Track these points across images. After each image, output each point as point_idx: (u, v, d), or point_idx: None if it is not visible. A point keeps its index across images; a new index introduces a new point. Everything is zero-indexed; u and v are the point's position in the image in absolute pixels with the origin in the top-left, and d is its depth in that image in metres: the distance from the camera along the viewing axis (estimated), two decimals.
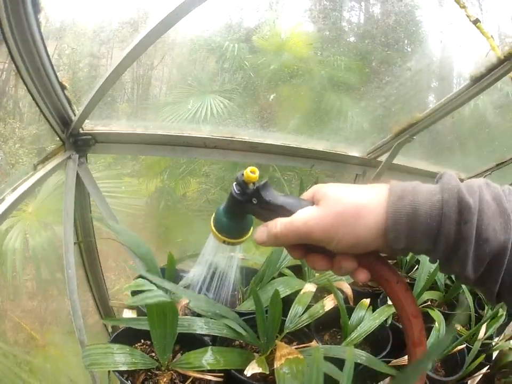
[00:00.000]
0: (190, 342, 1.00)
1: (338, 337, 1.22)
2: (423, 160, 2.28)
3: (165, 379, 0.93)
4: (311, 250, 0.61)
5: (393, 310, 1.16)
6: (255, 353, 0.98)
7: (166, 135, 1.43)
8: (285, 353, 0.91)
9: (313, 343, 1.06)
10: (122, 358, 0.88)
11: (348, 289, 1.27)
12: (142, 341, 1.03)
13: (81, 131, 1.29)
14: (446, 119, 2.10)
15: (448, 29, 1.75)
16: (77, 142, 1.29)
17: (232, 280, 0.84)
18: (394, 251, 0.54)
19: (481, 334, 1.32)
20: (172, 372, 0.95)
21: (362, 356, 0.99)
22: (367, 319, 1.16)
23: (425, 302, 1.39)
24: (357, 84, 1.82)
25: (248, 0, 1.72)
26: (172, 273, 1.18)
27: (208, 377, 0.92)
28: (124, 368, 0.87)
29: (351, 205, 0.54)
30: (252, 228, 0.71)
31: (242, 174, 0.63)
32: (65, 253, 1.34)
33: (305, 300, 1.15)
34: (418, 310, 0.61)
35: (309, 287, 1.20)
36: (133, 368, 0.89)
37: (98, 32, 1.34)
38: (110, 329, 1.55)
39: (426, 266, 1.38)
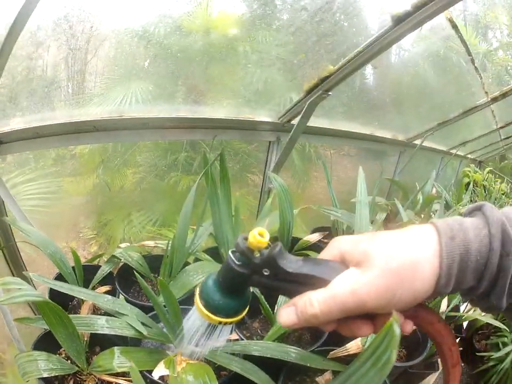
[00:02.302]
0: (112, 342, 0.94)
1: (269, 324, 1.14)
2: (350, 121, 2.20)
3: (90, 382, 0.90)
4: (347, 317, 0.50)
5: None
6: (168, 352, 0.89)
7: (60, 124, 1.27)
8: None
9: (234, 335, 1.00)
10: (42, 364, 0.83)
11: None
12: None
13: None
14: (376, 74, 2.04)
15: None
16: None
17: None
18: (436, 295, 0.49)
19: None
20: (93, 376, 0.91)
21: (291, 352, 0.90)
22: None
23: None
24: (239, 33, 1.49)
25: None
26: (80, 270, 1.15)
27: (121, 381, 0.87)
28: (45, 374, 0.81)
29: (406, 259, 0.46)
30: (250, 296, 0.60)
31: (245, 239, 0.51)
32: None
33: None
34: (455, 339, 0.57)
35: None
36: (53, 374, 0.83)
37: (35, 32, 1.20)
38: None
39: None
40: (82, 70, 1.38)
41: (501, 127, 3.38)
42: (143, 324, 0.89)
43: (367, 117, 2.36)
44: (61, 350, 0.99)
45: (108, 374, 0.86)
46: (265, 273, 0.51)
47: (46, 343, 0.93)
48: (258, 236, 0.49)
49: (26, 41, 1.16)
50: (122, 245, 1.29)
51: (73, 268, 1.14)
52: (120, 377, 0.88)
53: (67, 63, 1.32)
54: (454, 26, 1.72)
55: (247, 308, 0.59)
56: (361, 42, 1.37)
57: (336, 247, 0.53)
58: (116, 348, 0.85)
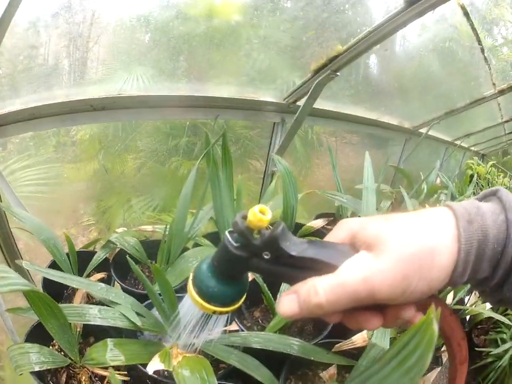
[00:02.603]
0: (107, 333, 0.90)
1: (271, 314, 1.09)
2: (356, 105, 2.17)
3: (84, 377, 0.87)
4: (354, 308, 0.45)
5: None
6: (165, 344, 0.85)
7: (57, 103, 1.23)
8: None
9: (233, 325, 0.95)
10: (34, 357, 0.79)
11: None
12: None
13: None
14: (385, 60, 1.99)
15: None
16: None
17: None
18: (450, 286, 0.45)
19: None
20: (86, 369, 0.88)
21: (294, 344, 0.85)
22: None
23: None
24: (244, 10, 1.42)
25: None
26: (74, 257, 1.12)
27: (120, 377, 0.84)
28: (36, 368, 0.78)
29: (424, 244, 0.42)
30: (248, 283, 0.54)
31: (244, 218, 0.46)
32: None
33: None
34: (464, 334, 0.55)
35: None
36: (44, 368, 0.79)
37: (35, 22, 1.19)
38: None
39: None
40: (84, 57, 1.35)
41: (506, 121, 3.41)
42: (138, 313, 0.84)
43: (374, 101, 2.32)
44: (54, 342, 0.95)
45: (101, 368, 0.82)
46: (266, 257, 0.46)
47: (39, 334, 0.89)
48: (259, 214, 0.44)
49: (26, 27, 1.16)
50: (119, 230, 1.25)
51: (67, 254, 1.10)
52: (115, 371, 0.83)
53: (68, 51, 1.30)
54: (466, 14, 1.71)
55: (244, 296, 0.54)
56: (373, 22, 1.35)
57: (345, 229, 0.49)
58: (109, 340, 0.82)
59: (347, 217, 1.55)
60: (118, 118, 1.42)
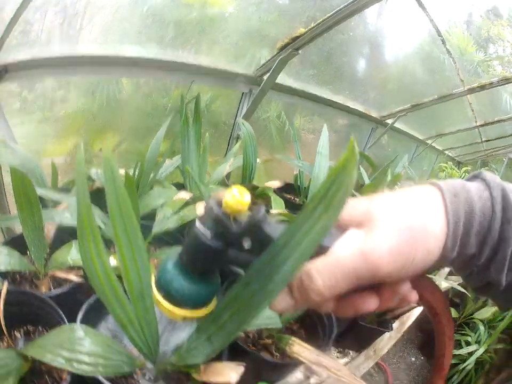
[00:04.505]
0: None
1: None
2: (321, 86, 2.29)
3: (43, 286, 0.92)
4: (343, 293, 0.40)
5: None
6: None
7: (57, 57, 1.37)
8: None
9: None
10: (2, 258, 0.85)
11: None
12: None
13: None
14: (348, 45, 2.11)
15: None
16: None
17: None
18: (440, 263, 0.42)
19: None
20: (48, 278, 0.94)
21: None
22: None
23: None
24: None
25: None
26: (56, 185, 1.18)
27: (72, 277, 0.90)
28: (2, 268, 0.83)
29: (415, 216, 0.40)
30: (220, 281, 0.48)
31: (218, 203, 0.40)
32: None
33: (176, 204, 1.11)
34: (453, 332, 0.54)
35: (182, 194, 1.18)
36: (9, 269, 0.85)
37: None
38: None
39: None
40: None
41: (481, 125, 3.34)
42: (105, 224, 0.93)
43: (338, 84, 2.40)
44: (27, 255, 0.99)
45: (62, 270, 0.89)
46: (245, 245, 0.40)
47: (16, 244, 0.94)
48: (237, 196, 0.38)
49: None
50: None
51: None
52: (71, 272, 0.91)
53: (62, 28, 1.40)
54: (421, 5, 1.79)
55: (214, 298, 0.48)
56: (333, 8, 1.51)
57: None
58: (74, 241, 0.89)
59: (304, 188, 1.68)
60: (112, 74, 1.58)
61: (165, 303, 0.44)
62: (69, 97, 2.22)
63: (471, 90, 2.53)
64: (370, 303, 0.41)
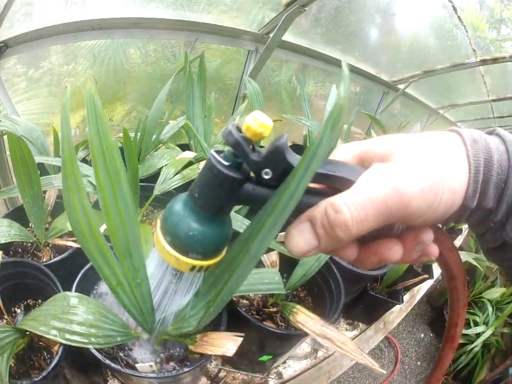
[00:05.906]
0: None
1: None
2: (330, 46, 2.23)
3: (45, 257, 0.93)
4: (366, 239, 0.37)
5: None
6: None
7: (61, 24, 1.35)
8: None
9: None
10: (3, 229, 0.86)
11: None
12: None
13: None
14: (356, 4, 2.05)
15: None
16: None
17: None
18: (460, 213, 0.40)
19: None
20: (49, 247, 0.94)
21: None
22: None
23: None
24: None
25: None
26: (58, 149, 1.15)
27: (70, 243, 0.90)
28: (2, 240, 0.83)
29: (440, 153, 0.37)
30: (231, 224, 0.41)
31: (238, 128, 0.34)
32: None
33: (179, 164, 1.07)
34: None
35: (186, 154, 1.15)
36: (9, 241, 0.84)
37: None
38: None
39: None
40: None
41: (493, 100, 3.30)
42: None
43: (347, 44, 2.35)
44: (29, 227, 1.01)
45: (62, 238, 0.89)
46: (266, 177, 0.35)
47: (17, 216, 0.95)
48: (261, 118, 0.33)
49: None
50: None
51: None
52: (69, 239, 0.91)
53: None
54: None
55: (226, 246, 0.42)
56: None
57: (346, 151, 0.41)
58: None
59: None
60: (114, 36, 1.53)
61: (171, 250, 0.38)
62: (75, 71, 2.20)
63: (484, 62, 2.50)
64: (395, 251, 0.38)
